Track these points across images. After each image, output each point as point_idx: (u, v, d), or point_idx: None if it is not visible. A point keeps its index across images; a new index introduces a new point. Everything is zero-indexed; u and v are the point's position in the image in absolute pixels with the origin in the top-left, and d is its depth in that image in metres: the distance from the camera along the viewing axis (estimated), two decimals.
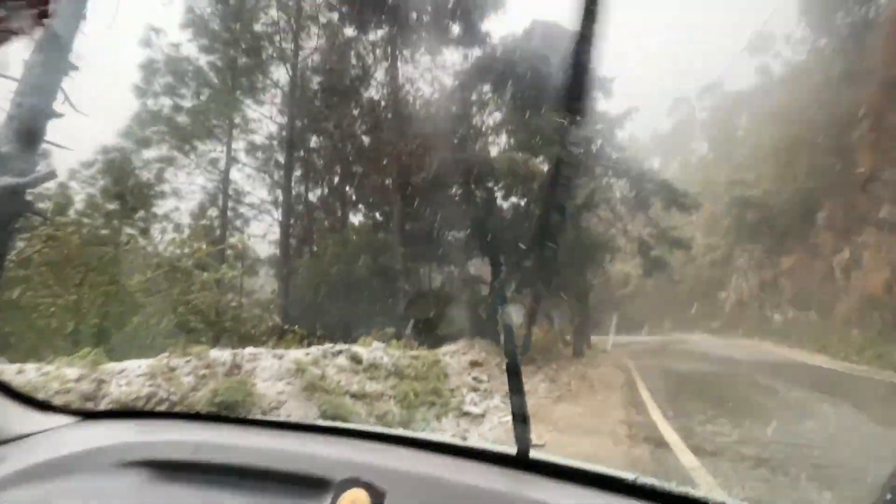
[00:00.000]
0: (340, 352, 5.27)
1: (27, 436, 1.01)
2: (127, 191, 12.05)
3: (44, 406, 1.12)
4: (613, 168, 15.96)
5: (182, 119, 12.24)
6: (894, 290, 12.36)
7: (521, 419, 0.88)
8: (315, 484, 0.80)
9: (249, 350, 4.25)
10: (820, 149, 17.01)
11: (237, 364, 3.94)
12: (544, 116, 10.88)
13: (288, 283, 11.88)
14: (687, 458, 4.30)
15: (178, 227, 13.48)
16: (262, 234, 13.93)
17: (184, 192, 13.40)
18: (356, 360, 5.29)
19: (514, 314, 11.44)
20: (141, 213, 12.98)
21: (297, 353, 4.65)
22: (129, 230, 12.68)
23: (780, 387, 8.20)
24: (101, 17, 5.23)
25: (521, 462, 0.84)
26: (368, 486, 0.76)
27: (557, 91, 10.63)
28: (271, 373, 4.11)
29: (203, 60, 12.14)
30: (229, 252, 13.59)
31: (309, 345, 6.57)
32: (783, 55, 27.32)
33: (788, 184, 19.13)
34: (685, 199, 15.67)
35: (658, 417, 5.97)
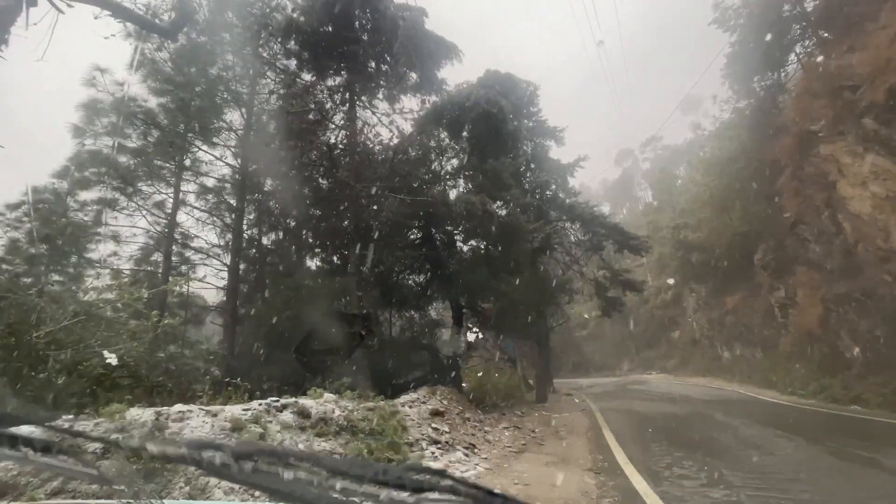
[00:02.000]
0: (286, 406, 4.76)
1: None
2: (57, 234, 11.11)
3: None
4: (568, 212, 16.58)
5: (125, 160, 11.62)
6: (828, 324, 13.15)
7: None
8: None
9: (177, 408, 3.72)
10: (750, 196, 18.54)
11: (160, 425, 3.42)
12: (500, 161, 11.22)
13: (235, 331, 11.05)
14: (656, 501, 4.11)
15: (116, 274, 12.47)
16: (209, 280, 13.09)
17: (124, 235, 12.55)
18: (303, 414, 4.79)
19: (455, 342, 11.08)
20: (73, 259, 11.95)
21: (234, 410, 4.13)
22: (56, 277, 11.60)
23: (737, 423, 8.29)
24: (31, 51, 4.90)
25: None
26: None
27: (510, 136, 11.10)
28: (202, 433, 3.59)
29: (153, 102, 11.78)
30: (173, 299, 12.62)
31: (253, 399, 5.96)
32: (711, 113, 30.36)
33: (726, 228, 20.56)
34: (635, 241, 16.42)
35: (625, 463, 5.77)
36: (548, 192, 15.76)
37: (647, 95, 74.88)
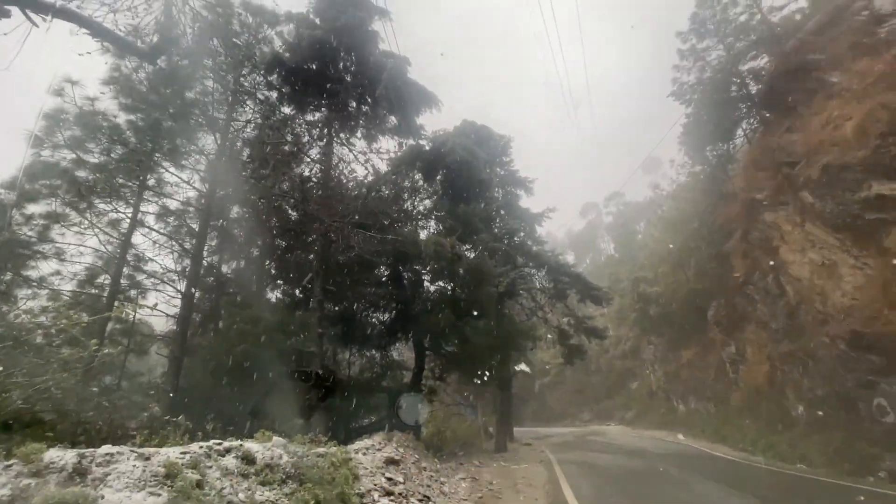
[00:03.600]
0: (229, 450, 4.41)
1: None
2: None
3: None
4: (534, 259, 16.96)
5: (83, 175, 11.12)
6: (774, 382, 13.72)
7: None
8: None
9: (104, 449, 3.36)
10: (703, 255, 19.64)
11: (82, 469, 3.07)
12: (471, 206, 11.49)
13: (181, 364, 10.34)
14: None
15: (55, 295, 11.59)
16: (161, 308, 12.30)
17: (70, 254, 11.78)
18: (248, 460, 4.44)
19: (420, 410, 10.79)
20: (7, 276, 11.05)
21: (171, 453, 3.78)
22: None
23: (691, 479, 8.33)
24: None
25: None
26: None
27: (483, 184, 11.46)
28: (130, 480, 3.25)
29: (122, 118, 11.52)
30: (116, 326, 11.79)
31: (193, 440, 5.51)
32: (669, 175, 32.59)
33: (682, 284, 21.52)
34: (597, 292, 16.88)
35: None
36: (516, 239, 16.14)
37: (612, 154, 79.67)
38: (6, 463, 2.82)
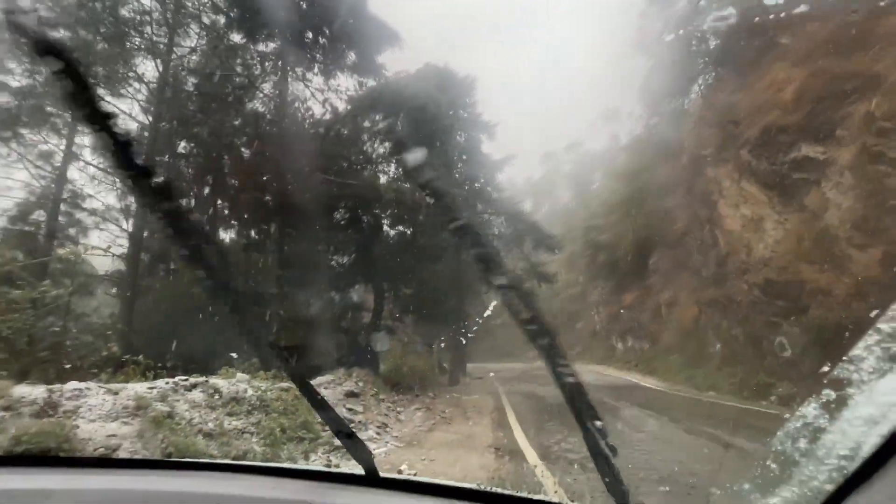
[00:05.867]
0: (196, 385, 4.65)
1: None
2: None
3: None
4: (493, 206, 17.36)
5: (5, 100, 10.03)
6: (699, 323, 15.39)
7: (347, 437, 0.92)
8: None
9: (72, 385, 3.50)
10: (651, 206, 20.80)
11: (52, 403, 3.22)
12: (432, 150, 11.45)
13: (134, 305, 10.17)
14: (543, 473, 4.72)
15: None
16: (104, 247, 11.75)
17: None
18: (215, 393, 4.72)
19: (382, 341, 11.52)
20: None
21: (138, 388, 3.97)
22: None
23: (621, 406, 9.52)
24: None
25: (372, 481, 0.89)
26: None
27: (444, 129, 11.37)
28: (102, 411, 3.44)
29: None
30: (57, 266, 11.26)
31: (156, 377, 5.68)
32: (627, 127, 33.22)
33: (629, 232, 22.86)
34: (551, 240, 17.69)
35: (521, 438, 6.44)
36: (476, 185, 16.34)
37: (573, 101, 79.14)
38: None
